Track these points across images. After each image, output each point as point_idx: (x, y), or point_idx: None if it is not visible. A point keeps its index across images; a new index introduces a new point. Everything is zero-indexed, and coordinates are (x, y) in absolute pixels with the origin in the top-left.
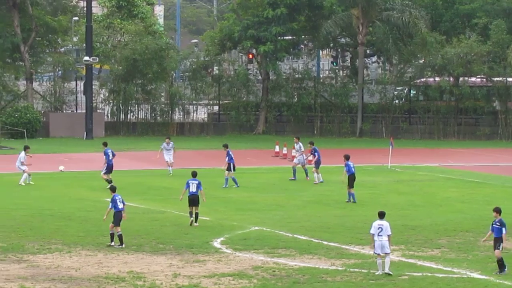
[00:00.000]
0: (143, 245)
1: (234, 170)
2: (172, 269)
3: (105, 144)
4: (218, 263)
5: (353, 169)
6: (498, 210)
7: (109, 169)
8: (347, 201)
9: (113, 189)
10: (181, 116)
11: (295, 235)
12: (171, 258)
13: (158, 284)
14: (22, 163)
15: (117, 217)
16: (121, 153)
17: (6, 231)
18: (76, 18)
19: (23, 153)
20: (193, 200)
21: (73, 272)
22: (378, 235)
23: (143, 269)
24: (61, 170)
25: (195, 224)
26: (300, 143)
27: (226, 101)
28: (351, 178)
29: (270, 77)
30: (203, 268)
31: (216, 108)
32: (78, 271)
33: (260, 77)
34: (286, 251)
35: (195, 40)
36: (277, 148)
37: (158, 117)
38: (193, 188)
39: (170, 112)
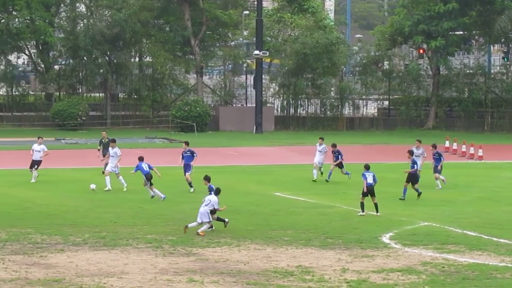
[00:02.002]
0: (312, 239)
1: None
2: (341, 264)
3: (187, 144)
4: (386, 259)
5: (368, 179)
6: None
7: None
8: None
9: (207, 179)
10: (351, 111)
11: (464, 231)
12: (340, 253)
13: (327, 279)
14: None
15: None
16: (290, 148)
17: (175, 224)
18: (247, 12)
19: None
20: (371, 191)
21: (242, 266)
22: None
23: (311, 264)
24: (92, 189)
25: (377, 214)
26: (423, 148)
27: (396, 96)
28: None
29: (441, 72)
30: (371, 263)
31: (386, 103)
32: (247, 265)
33: (430, 72)
34: (456, 247)
35: (359, 35)
36: (447, 144)
37: (328, 112)
38: (370, 180)
39: (340, 106)
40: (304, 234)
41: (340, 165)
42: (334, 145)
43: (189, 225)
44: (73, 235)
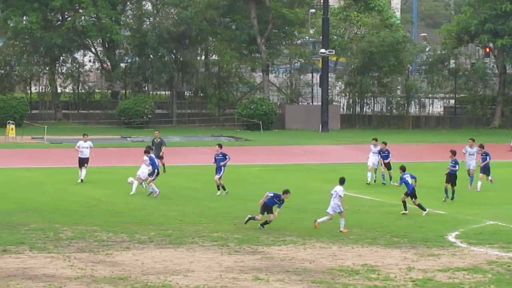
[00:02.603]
0: (378, 238)
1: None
2: (406, 263)
3: (220, 146)
4: (452, 257)
5: (411, 182)
6: None
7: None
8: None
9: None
10: (417, 110)
11: None
12: (406, 252)
13: (392, 277)
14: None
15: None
16: (356, 146)
17: (241, 222)
18: (313, 10)
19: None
20: (414, 193)
21: (307, 264)
22: None
23: (377, 262)
24: (130, 182)
25: (428, 212)
26: (476, 147)
27: (462, 95)
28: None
29: (507, 71)
30: (437, 262)
31: (452, 101)
32: (312, 263)
33: (496, 70)
34: None
35: (424, 34)
36: None
37: (394, 110)
38: (412, 182)
39: (406, 105)
40: (369, 232)
41: (388, 167)
42: (385, 143)
43: (318, 220)
44: (139, 233)
